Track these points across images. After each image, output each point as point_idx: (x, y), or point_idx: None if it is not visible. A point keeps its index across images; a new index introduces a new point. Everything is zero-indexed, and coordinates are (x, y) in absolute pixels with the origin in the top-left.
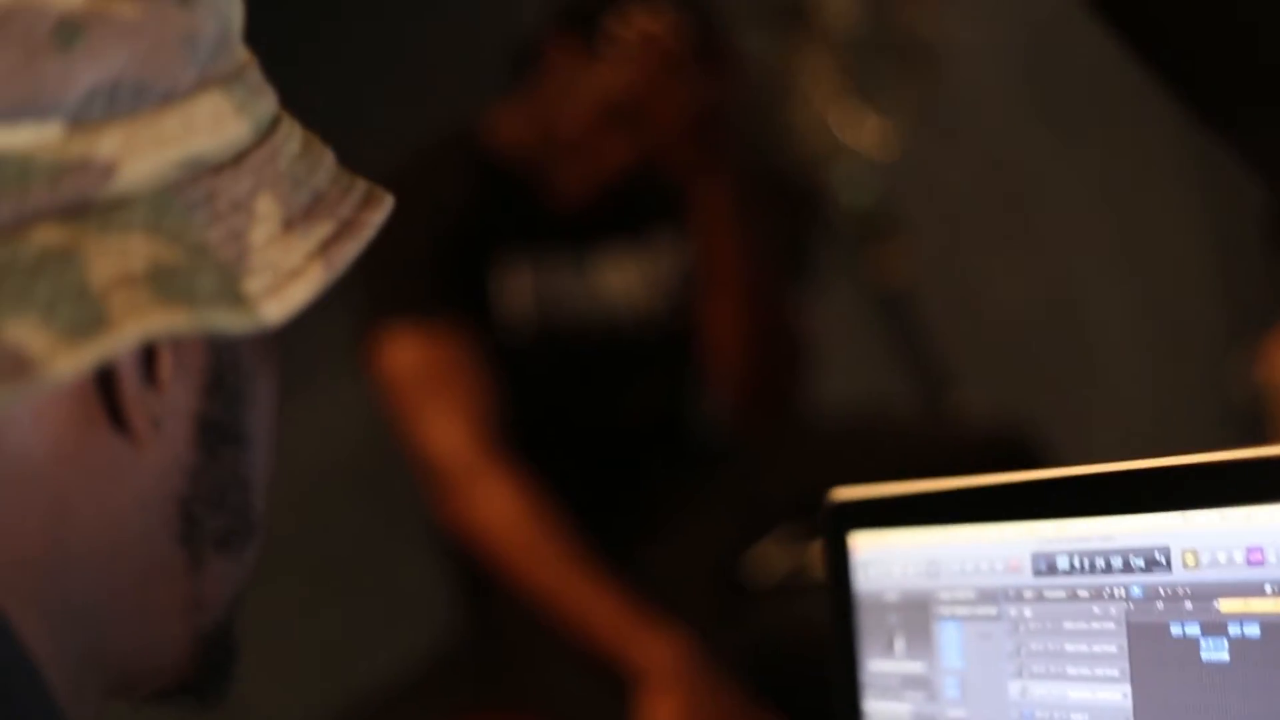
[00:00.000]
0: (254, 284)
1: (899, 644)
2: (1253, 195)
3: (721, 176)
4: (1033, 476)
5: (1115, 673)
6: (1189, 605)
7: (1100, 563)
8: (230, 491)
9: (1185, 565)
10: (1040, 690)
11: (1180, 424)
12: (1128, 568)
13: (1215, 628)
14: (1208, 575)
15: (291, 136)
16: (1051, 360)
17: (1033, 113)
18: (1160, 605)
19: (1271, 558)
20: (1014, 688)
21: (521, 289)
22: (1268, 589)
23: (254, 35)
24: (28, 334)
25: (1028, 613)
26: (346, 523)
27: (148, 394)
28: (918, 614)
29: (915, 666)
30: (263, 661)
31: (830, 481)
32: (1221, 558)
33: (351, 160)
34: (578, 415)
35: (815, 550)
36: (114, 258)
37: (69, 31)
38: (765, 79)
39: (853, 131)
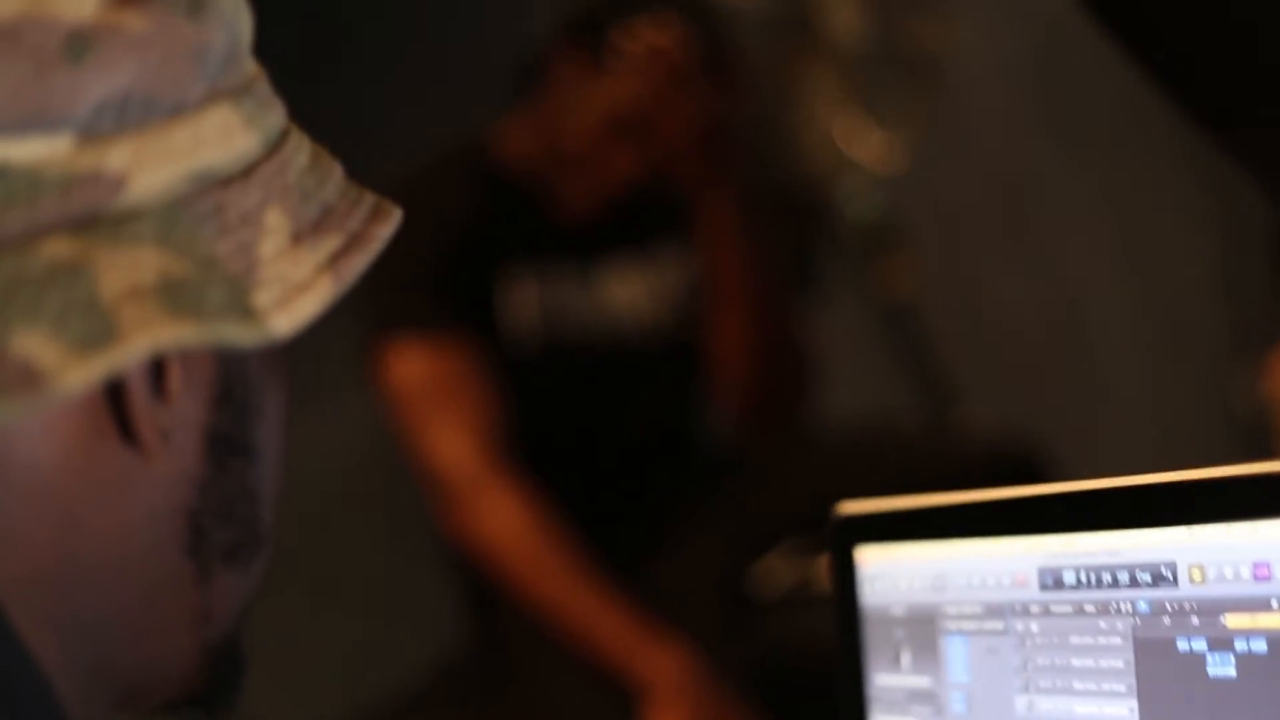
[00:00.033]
0: (263, 297)
1: (905, 658)
2: (1258, 209)
3: (727, 190)
4: (1039, 491)
5: (1122, 688)
6: (1195, 620)
7: (1107, 577)
8: (239, 504)
9: (1192, 580)
10: (1047, 705)
11: (1185, 438)
12: (1134, 583)
13: (1222, 643)
14: (1214, 590)
15: (300, 149)
16: (1057, 374)
17: (1038, 127)
18: (1167, 620)
19: (1278, 573)
20: (1020, 702)
21: (527, 302)
22: (1274, 604)
23: (262, 49)
24: (38, 346)
25: (1034, 627)
26: (352, 534)
27: (157, 406)
28: (924, 628)
29: (922, 681)
30: (269, 673)
31: (836, 495)
32: (1228, 573)
33: (358, 173)
34: (583, 428)
35: (821, 564)
36: (124, 270)
37: (79, 45)
38: (771, 92)
39: (858, 145)
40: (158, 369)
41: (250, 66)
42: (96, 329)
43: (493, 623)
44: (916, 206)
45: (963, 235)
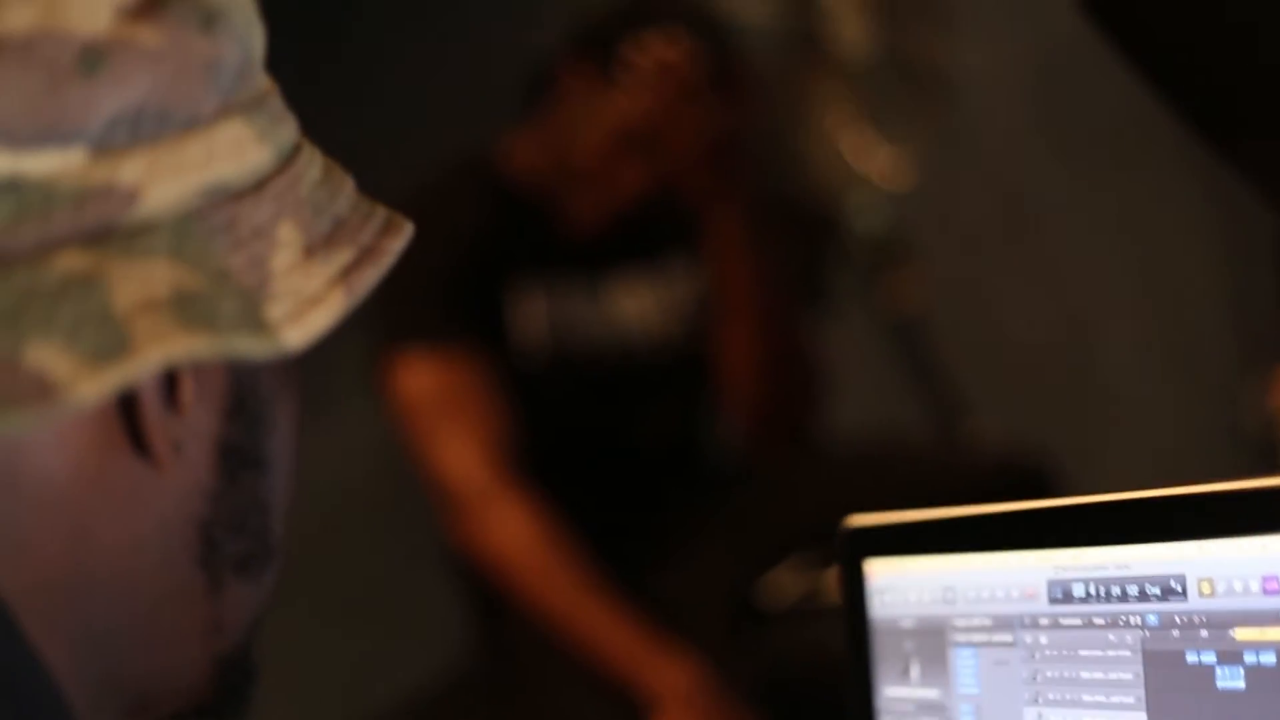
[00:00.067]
0: (275, 310)
1: (914, 670)
2: (1265, 222)
3: (736, 204)
4: (1048, 505)
5: (1131, 700)
6: (1205, 633)
7: (1116, 591)
8: (250, 515)
9: (1201, 594)
10: (1056, 717)
11: (1194, 453)
12: (1143, 596)
13: (1231, 656)
14: (1223, 604)
15: (312, 163)
16: (1065, 388)
17: (1046, 141)
18: (1176, 633)
19: None
20: (1030, 715)
21: (536, 314)
22: None
23: (274, 63)
24: (51, 358)
25: (1043, 640)
26: (361, 546)
27: (169, 418)
28: (933, 640)
29: (931, 693)
30: (278, 683)
31: (844, 508)
32: (1237, 586)
33: (369, 187)
34: (592, 440)
35: (830, 576)
36: (137, 283)
37: (93, 59)
38: (779, 107)
39: (866, 160)
40: (170, 381)
41: (263, 81)
42: (110, 341)
43: (500, 634)
44: (925, 221)
45: (971, 249)
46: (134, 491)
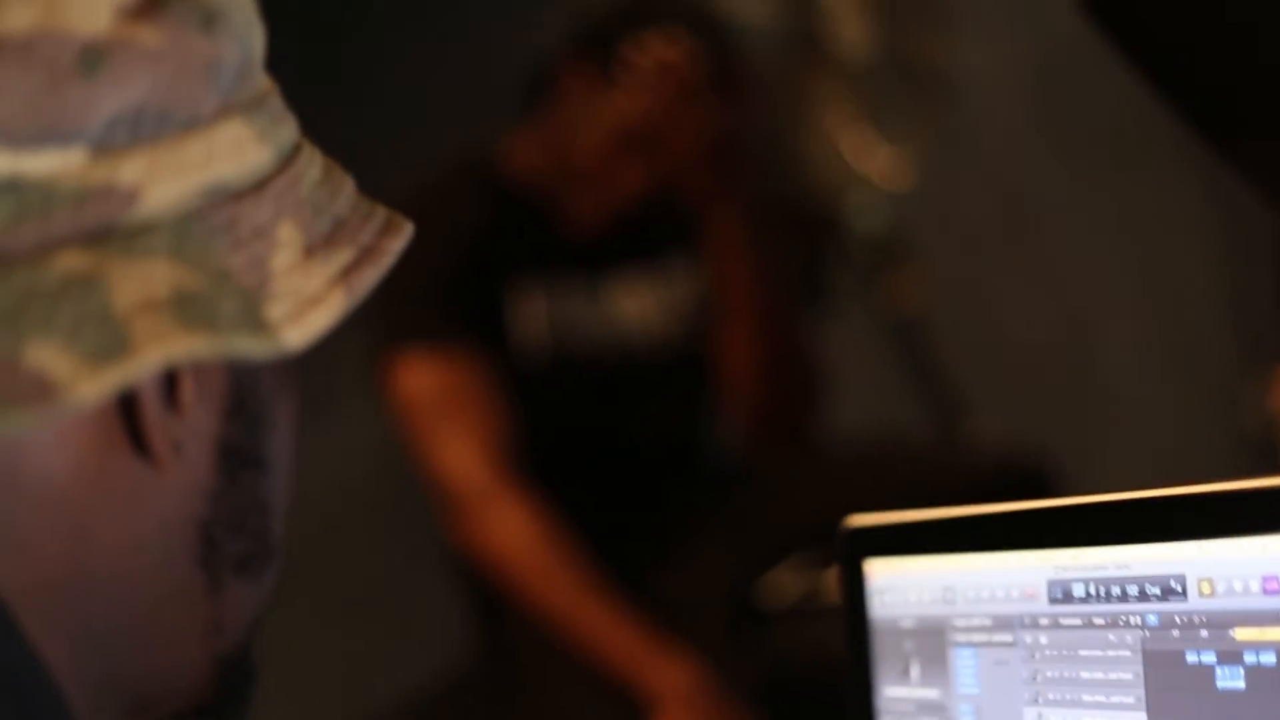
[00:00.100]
0: (275, 310)
1: (914, 670)
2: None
3: (736, 204)
4: (1049, 505)
5: (1131, 700)
6: (1205, 633)
7: (1116, 591)
8: (250, 515)
9: (1201, 594)
10: (1056, 717)
11: (1194, 453)
12: (1143, 596)
13: (1231, 656)
14: (1223, 604)
15: (312, 164)
16: (1065, 388)
17: (1046, 141)
18: (1176, 633)
19: None
20: (1030, 715)
21: (536, 314)
22: None
23: (273, 63)
24: (51, 358)
25: (1044, 640)
26: (361, 545)
27: (169, 418)
28: (933, 640)
29: (931, 693)
30: (278, 683)
31: (844, 508)
32: (1238, 586)
33: (368, 187)
34: (592, 440)
35: (829, 576)
36: (137, 283)
37: (93, 59)
38: (779, 107)
39: (866, 160)
40: (170, 381)
41: (263, 81)
42: (109, 341)
43: (500, 634)
44: (924, 221)
45: (971, 249)
46: (134, 491)
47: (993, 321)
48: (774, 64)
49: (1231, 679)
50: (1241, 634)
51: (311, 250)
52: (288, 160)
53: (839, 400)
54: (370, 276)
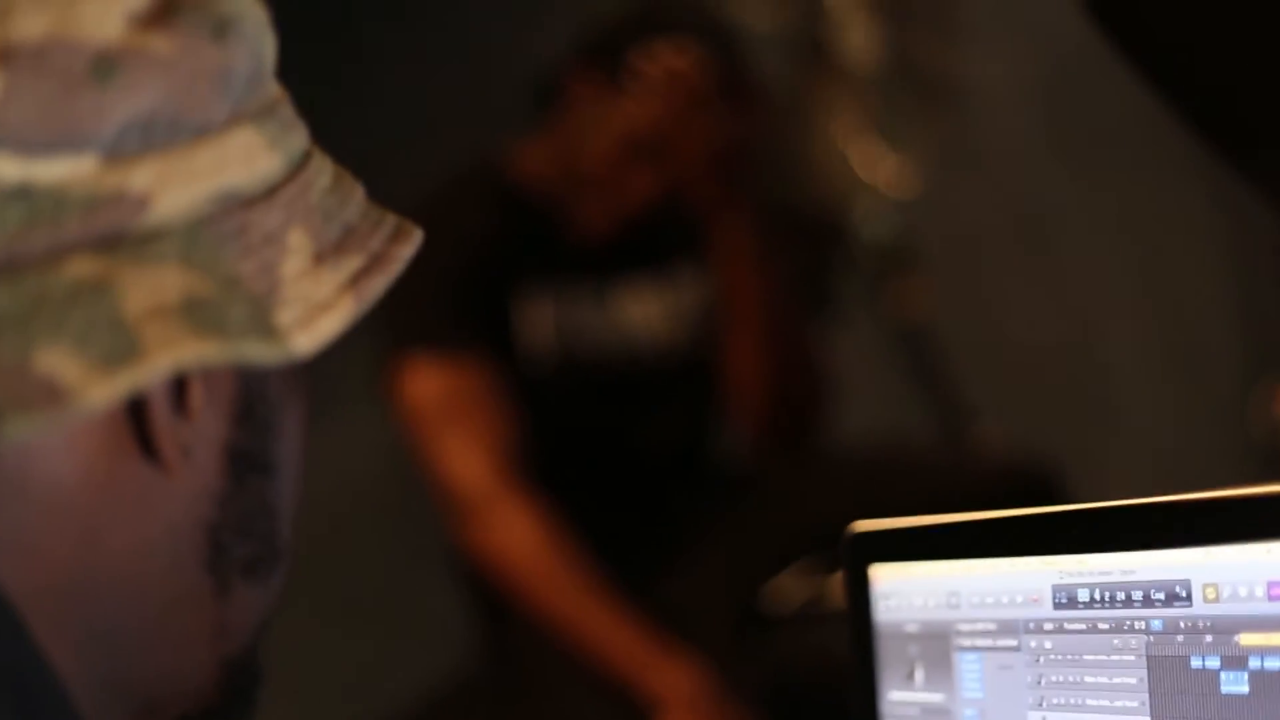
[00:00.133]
0: (285, 316)
1: (919, 674)
2: (1273, 231)
3: (743, 211)
4: (1054, 510)
5: (1135, 704)
6: (1209, 639)
7: (1121, 596)
8: (258, 519)
9: (1206, 599)
10: None
11: (1200, 460)
12: (1148, 601)
13: (1235, 661)
14: (1228, 609)
15: (322, 171)
16: (1071, 395)
17: (1052, 149)
18: (1180, 638)
19: None
20: (1034, 719)
21: (543, 320)
22: None
23: (283, 71)
24: (61, 363)
25: (1048, 644)
26: (366, 549)
27: (178, 423)
28: (938, 644)
29: (935, 697)
30: (283, 686)
31: (850, 514)
32: (1242, 592)
33: (377, 194)
34: (598, 445)
35: (834, 581)
36: (147, 289)
37: (105, 67)
38: (787, 115)
39: (873, 167)
40: (179, 386)
41: (274, 89)
42: (120, 346)
43: (505, 637)
44: (931, 228)
45: (977, 257)
46: (143, 495)
47: (999, 328)
48: (781, 72)
49: (1236, 684)
50: (1246, 639)
51: (321, 257)
52: (298, 167)
53: (845, 406)
54: (380, 283)
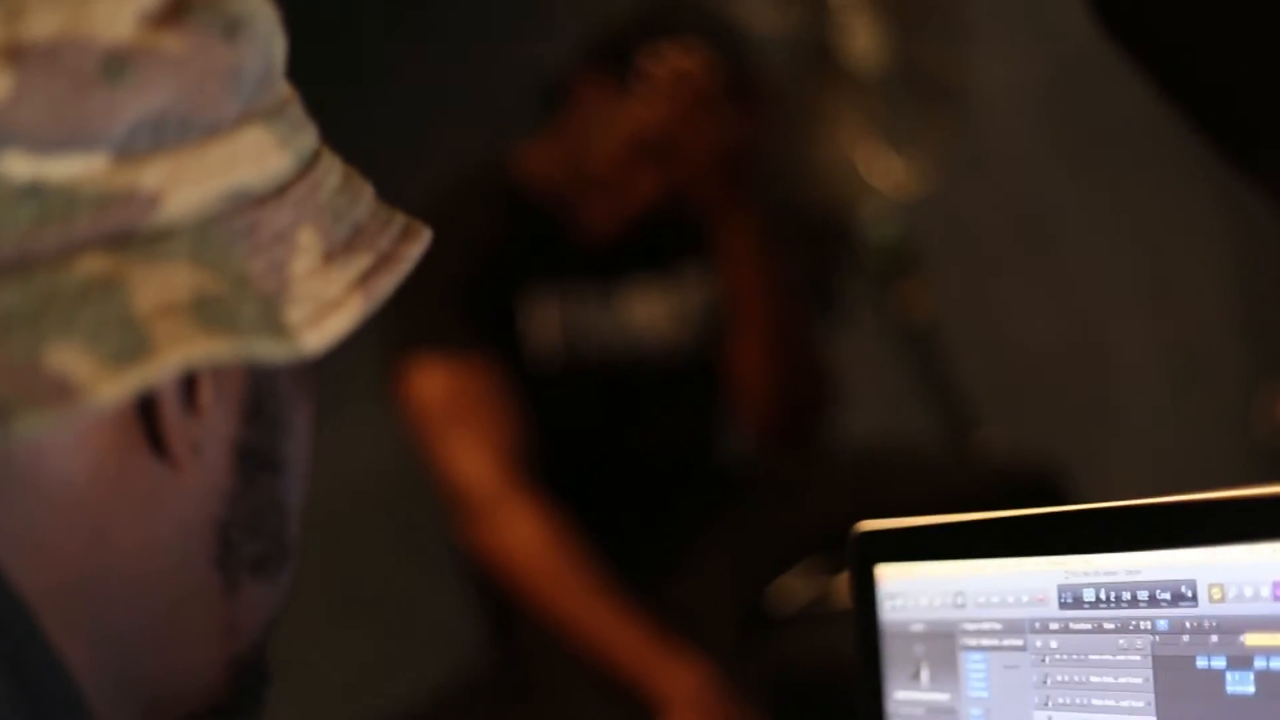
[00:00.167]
0: (295, 314)
1: (925, 674)
2: (1277, 233)
3: (748, 213)
4: (1059, 511)
5: (1141, 704)
6: (1215, 639)
7: (1126, 596)
8: (267, 517)
9: (1211, 599)
10: None
11: (1204, 461)
12: (1154, 601)
13: (1241, 661)
14: (1234, 609)
15: (332, 170)
16: (1076, 397)
17: (1057, 152)
18: (1186, 638)
19: None
20: (1039, 718)
21: (549, 321)
22: None
23: (293, 71)
24: (71, 360)
25: (1054, 644)
26: (372, 549)
27: (188, 420)
28: (943, 644)
29: (941, 697)
30: (290, 685)
31: (854, 514)
32: (1248, 592)
33: (386, 194)
34: (604, 446)
35: (840, 581)
36: (158, 287)
37: (116, 65)
38: (792, 117)
39: (878, 170)
40: (189, 384)
41: (284, 88)
42: (130, 344)
43: (511, 637)
44: (936, 230)
45: (981, 259)
46: (152, 493)
47: (1003, 330)
48: (788, 74)
49: (1241, 684)
50: (1252, 639)
51: (331, 255)
52: (308, 166)
53: (850, 408)
54: (388, 282)
